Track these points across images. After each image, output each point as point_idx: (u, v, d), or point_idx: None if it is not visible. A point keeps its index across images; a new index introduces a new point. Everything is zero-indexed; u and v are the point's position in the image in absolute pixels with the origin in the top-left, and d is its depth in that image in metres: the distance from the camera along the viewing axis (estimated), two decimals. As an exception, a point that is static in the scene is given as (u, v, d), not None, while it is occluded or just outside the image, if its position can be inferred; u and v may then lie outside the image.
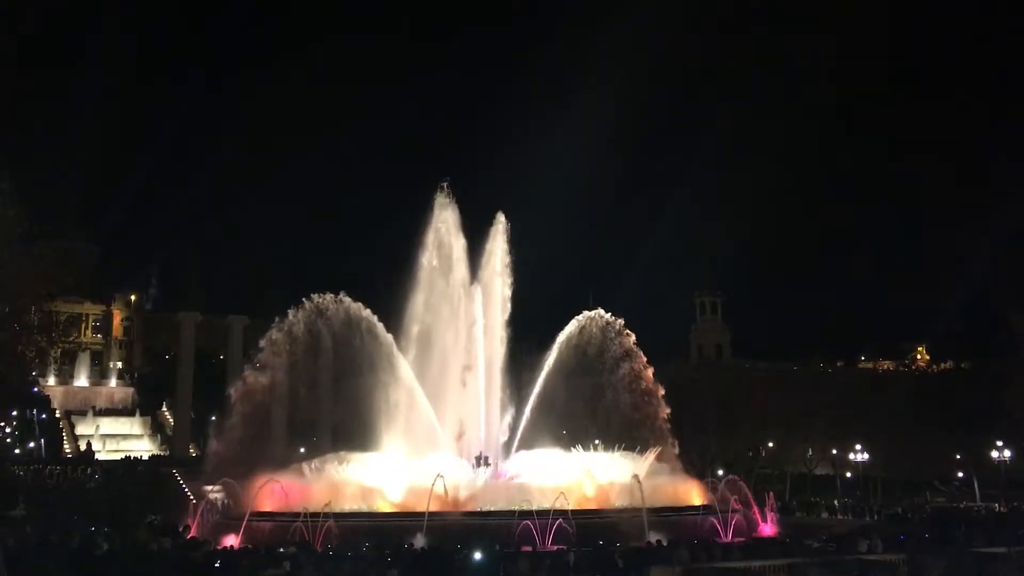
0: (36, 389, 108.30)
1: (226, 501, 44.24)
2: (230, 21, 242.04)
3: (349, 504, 38.59)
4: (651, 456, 44.95)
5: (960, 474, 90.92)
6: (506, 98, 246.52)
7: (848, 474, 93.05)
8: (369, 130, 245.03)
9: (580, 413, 51.74)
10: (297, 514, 36.57)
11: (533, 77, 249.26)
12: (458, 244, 50.17)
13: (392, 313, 48.19)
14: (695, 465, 47.03)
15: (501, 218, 50.89)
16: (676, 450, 46.49)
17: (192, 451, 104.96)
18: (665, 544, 31.96)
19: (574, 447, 46.68)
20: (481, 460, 42.94)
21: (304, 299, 45.68)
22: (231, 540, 35.05)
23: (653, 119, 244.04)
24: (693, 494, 43.77)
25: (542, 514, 35.73)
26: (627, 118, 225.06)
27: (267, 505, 39.26)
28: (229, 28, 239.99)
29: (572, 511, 36.65)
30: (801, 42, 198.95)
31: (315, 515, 35.77)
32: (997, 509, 66.24)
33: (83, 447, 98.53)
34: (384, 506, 39.28)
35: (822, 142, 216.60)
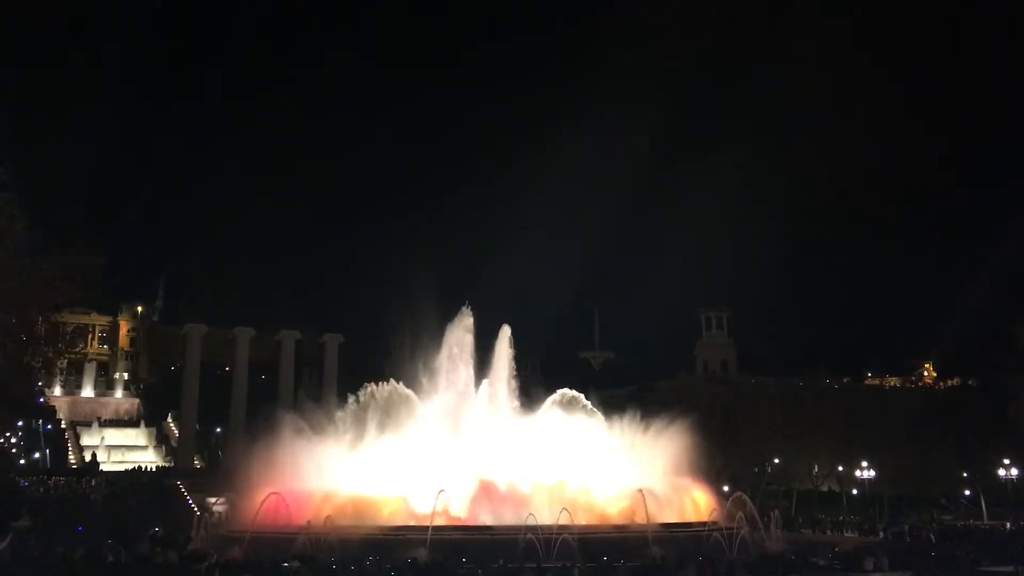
0: (42, 400, 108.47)
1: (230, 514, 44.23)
2: (239, 38, 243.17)
3: (348, 517, 38.55)
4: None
5: (967, 492, 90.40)
6: (513, 104, 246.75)
7: (854, 491, 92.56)
8: (374, 141, 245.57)
9: None
10: (301, 527, 36.55)
11: (541, 86, 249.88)
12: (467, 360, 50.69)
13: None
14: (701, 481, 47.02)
15: (506, 331, 51.15)
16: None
17: (197, 463, 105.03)
18: (670, 560, 31.82)
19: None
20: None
21: None
22: (235, 553, 35.00)
23: (661, 134, 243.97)
24: (700, 510, 43.65)
25: (546, 529, 35.61)
26: (634, 132, 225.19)
27: (270, 519, 39.17)
28: (239, 43, 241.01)
29: (577, 526, 36.53)
30: (815, 56, 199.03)
31: (318, 528, 35.74)
32: (1006, 527, 65.78)
33: (88, 458, 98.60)
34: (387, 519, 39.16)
35: (828, 159, 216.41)
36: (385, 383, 48.51)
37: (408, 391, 48.03)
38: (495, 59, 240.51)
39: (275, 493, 39.77)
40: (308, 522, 37.13)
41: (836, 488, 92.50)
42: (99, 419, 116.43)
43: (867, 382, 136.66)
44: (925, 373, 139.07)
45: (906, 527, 63.26)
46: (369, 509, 39.58)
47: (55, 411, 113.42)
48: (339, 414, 47.48)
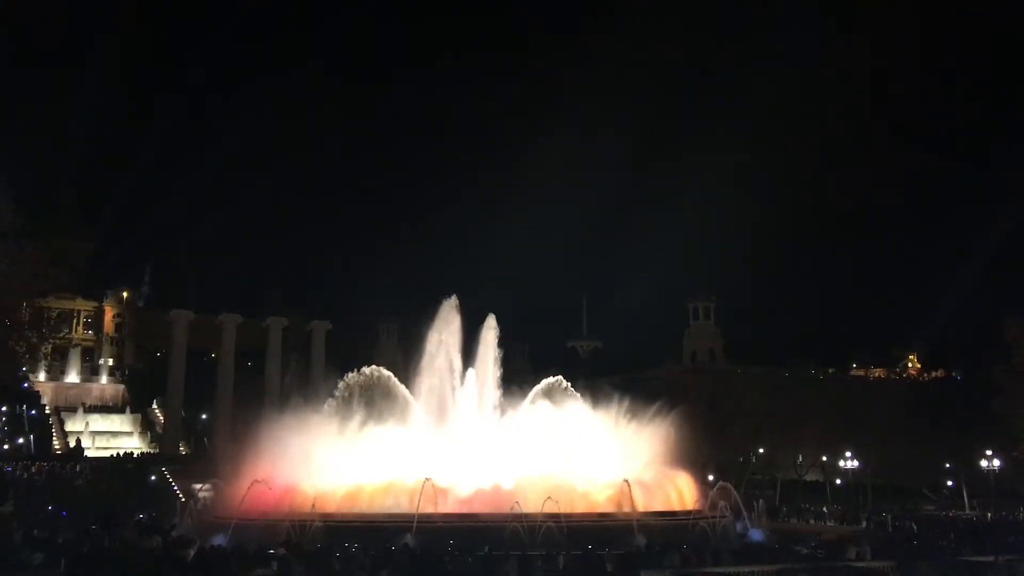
0: (26, 385, 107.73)
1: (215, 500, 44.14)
2: (229, 27, 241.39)
3: (334, 505, 38.51)
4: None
5: (950, 482, 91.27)
6: (505, 97, 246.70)
7: (838, 481, 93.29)
8: (364, 130, 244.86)
9: None
10: (286, 514, 36.50)
11: (534, 80, 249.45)
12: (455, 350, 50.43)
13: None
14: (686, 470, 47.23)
15: (492, 320, 50.85)
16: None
17: (182, 449, 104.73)
18: (655, 548, 31.91)
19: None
20: None
21: None
22: (220, 540, 34.91)
23: (651, 123, 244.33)
24: (685, 499, 43.82)
25: (531, 517, 35.68)
26: (624, 121, 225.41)
27: (256, 505, 39.09)
28: (226, 32, 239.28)
29: (563, 515, 36.61)
30: (803, 53, 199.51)
31: (304, 515, 35.70)
32: (988, 517, 66.40)
33: (73, 444, 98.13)
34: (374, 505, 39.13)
35: (819, 151, 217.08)
36: (370, 370, 48.33)
37: (394, 378, 47.90)
38: (491, 55, 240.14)
39: (260, 480, 39.70)
40: (294, 509, 37.05)
41: (820, 478, 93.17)
42: (84, 405, 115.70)
43: (852, 373, 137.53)
44: (910, 364, 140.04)
45: (888, 517, 63.74)
46: (355, 497, 39.57)
47: (39, 396, 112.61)
48: (326, 402, 47.31)
